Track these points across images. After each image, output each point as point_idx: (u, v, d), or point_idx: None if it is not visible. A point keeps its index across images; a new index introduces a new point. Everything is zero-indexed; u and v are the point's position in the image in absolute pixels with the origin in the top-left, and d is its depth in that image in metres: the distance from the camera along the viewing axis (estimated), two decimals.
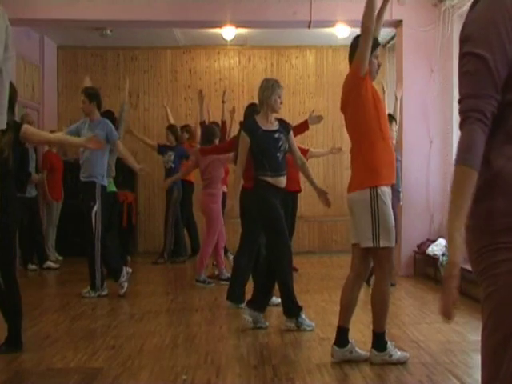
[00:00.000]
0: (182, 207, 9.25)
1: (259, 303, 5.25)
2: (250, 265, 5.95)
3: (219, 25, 8.67)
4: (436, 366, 4.11)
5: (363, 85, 4.09)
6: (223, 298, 6.60)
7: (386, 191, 4.09)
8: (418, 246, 7.71)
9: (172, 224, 9.07)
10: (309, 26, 8.35)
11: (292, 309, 5.16)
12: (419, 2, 8.03)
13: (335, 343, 4.22)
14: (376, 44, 4.19)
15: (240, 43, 10.19)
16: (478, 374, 4.00)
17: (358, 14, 8.67)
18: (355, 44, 4.21)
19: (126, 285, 6.61)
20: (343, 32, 8.90)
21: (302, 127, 6.34)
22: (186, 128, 9.62)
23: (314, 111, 6.82)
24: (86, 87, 7.00)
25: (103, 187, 6.56)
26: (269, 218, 5.14)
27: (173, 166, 8.95)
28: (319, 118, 6.56)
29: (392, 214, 4.13)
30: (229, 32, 8.98)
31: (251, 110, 5.94)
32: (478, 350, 4.70)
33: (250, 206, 5.61)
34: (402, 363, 4.13)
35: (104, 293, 6.60)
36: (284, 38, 10.05)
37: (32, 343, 4.73)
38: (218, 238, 7.29)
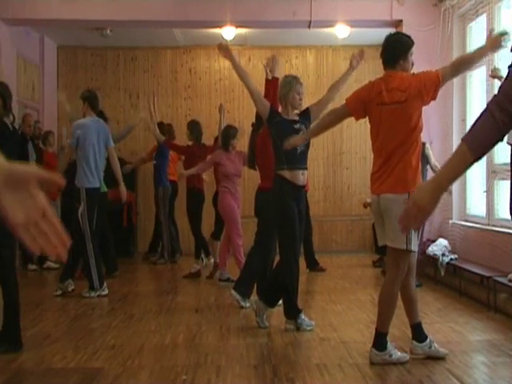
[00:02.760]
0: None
1: (269, 297, 5.26)
2: (261, 264, 5.93)
3: (219, 25, 8.66)
4: (436, 365, 4.11)
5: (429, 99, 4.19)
6: (223, 297, 6.61)
7: None
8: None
9: (166, 223, 9.09)
10: (309, 26, 8.35)
11: (292, 310, 5.16)
12: (419, 2, 8.03)
13: (414, 338, 4.28)
14: (413, 42, 4.28)
15: (240, 43, 10.18)
16: (477, 374, 4.02)
17: (358, 14, 8.71)
18: (396, 45, 4.21)
19: (95, 295, 6.55)
20: (343, 32, 8.91)
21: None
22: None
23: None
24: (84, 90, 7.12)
25: (88, 188, 6.55)
26: (282, 219, 5.07)
27: (154, 162, 9.06)
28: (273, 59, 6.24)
29: None
30: (229, 32, 8.98)
31: None
32: (477, 350, 4.72)
33: (264, 205, 5.63)
34: (402, 363, 4.13)
35: (104, 293, 6.61)
36: (284, 38, 10.04)
37: (32, 343, 4.73)
38: (230, 239, 7.25)
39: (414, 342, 4.27)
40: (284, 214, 5.04)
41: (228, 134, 7.12)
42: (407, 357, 4.19)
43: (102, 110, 7.69)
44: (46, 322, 5.56)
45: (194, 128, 8.08)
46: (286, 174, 5.02)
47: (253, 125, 6.23)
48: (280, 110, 5.24)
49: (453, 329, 5.15)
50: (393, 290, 4.14)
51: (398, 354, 4.17)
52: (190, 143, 8.04)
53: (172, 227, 9.24)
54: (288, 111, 5.15)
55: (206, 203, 8.33)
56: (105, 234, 7.47)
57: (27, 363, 4.27)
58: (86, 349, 4.57)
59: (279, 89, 5.21)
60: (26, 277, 8.26)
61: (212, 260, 7.97)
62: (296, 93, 5.13)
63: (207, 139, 9.37)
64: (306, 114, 5.22)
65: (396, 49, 4.22)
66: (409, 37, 4.31)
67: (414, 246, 4.11)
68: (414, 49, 4.30)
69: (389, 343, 4.18)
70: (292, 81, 5.18)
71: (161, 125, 9.26)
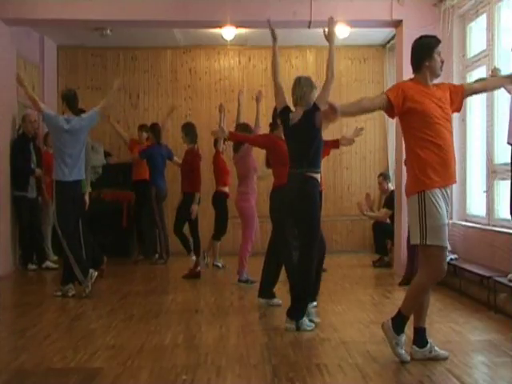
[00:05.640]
0: (144, 206, 9.34)
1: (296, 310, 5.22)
2: (278, 263, 5.93)
3: (219, 25, 8.66)
4: (436, 365, 4.11)
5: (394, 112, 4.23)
6: (223, 298, 6.64)
7: (436, 193, 4.10)
8: (413, 246, 7.70)
9: (160, 223, 9.11)
10: (309, 26, 8.35)
11: (298, 311, 5.15)
12: (419, 2, 8.02)
13: (414, 343, 4.27)
14: (437, 41, 4.29)
15: (240, 43, 10.18)
16: (477, 374, 4.02)
17: (358, 14, 8.71)
18: (418, 50, 4.28)
19: (88, 287, 6.54)
20: (343, 32, 8.90)
21: (333, 145, 6.35)
22: (145, 127, 9.64)
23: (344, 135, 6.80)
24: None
25: (56, 180, 6.56)
26: (311, 219, 5.11)
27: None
28: (350, 142, 6.46)
29: (442, 214, 4.11)
30: (229, 32, 8.97)
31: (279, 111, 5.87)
32: (477, 350, 4.73)
33: (277, 204, 5.67)
34: (402, 362, 4.14)
35: (93, 280, 6.54)
36: (284, 38, 9.96)
37: (32, 343, 4.74)
38: (243, 240, 7.23)
39: (415, 347, 4.26)
40: (314, 214, 5.13)
41: (245, 131, 7.14)
42: (408, 358, 4.19)
43: (83, 109, 7.58)
44: (46, 322, 5.56)
45: (190, 131, 8.07)
46: (319, 177, 5.17)
47: (270, 125, 6.22)
48: (295, 109, 5.25)
49: (453, 329, 5.15)
50: (422, 283, 4.18)
51: (402, 351, 4.18)
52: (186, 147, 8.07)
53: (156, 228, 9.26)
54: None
55: (205, 204, 8.34)
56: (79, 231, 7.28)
57: (27, 363, 4.27)
58: (86, 349, 4.57)
59: (299, 88, 5.20)
60: (26, 277, 8.27)
61: (194, 257, 7.99)
62: (314, 95, 5.24)
63: (207, 139, 9.39)
64: (314, 112, 5.13)
65: (418, 54, 4.28)
66: (433, 37, 4.34)
67: (435, 239, 4.07)
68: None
69: (404, 335, 4.19)
70: (312, 83, 5.28)
71: (153, 126, 9.32)
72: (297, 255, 5.66)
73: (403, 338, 4.20)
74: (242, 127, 7.26)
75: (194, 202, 7.98)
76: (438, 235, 4.09)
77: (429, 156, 4.11)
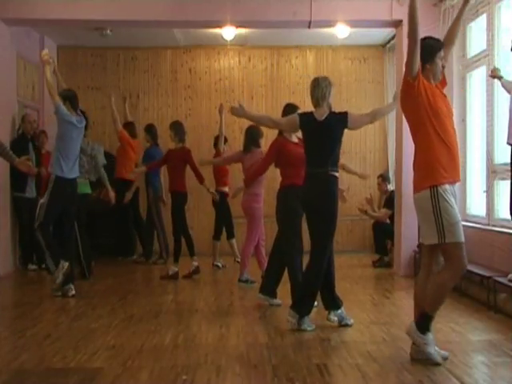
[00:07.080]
0: (132, 207, 9.33)
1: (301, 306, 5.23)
2: (282, 263, 5.93)
3: (219, 25, 8.66)
4: (436, 365, 4.11)
5: (414, 86, 4.20)
6: (223, 298, 6.63)
7: (447, 189, 4.10)
8: (418, 246, 7.72)
9: (159, 223, 9.10)
10: (309, 26, 8.35)
11: (304, 308, 5.14)
12: (419, 2, 7.96)
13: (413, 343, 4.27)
14: (440, 45, 4.32)
15: (240, 43, 10.18)
16: (478, 374, 4.02)
17: (358, 14, 8.71)
18: (422, 51, 4.32)
19: (58, 278, 6.56)
20: (343, 32, 8.90)
21: None
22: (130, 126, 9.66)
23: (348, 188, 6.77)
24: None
25: (58, 178, 6.59)
26: (331, 218, 5.11)
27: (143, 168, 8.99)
28: (343, 200, 6.34)
29: (456, 211, 4.11)
30: (229, 32, 8.98)
31: (290, 111, 5.87)
32: (477, 350, 4.72)
33: (283, 205, 5.69)
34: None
35: (64, 270, 6.52)
36: (284, 38, 10.04)
37: (32, 343, 4.74)
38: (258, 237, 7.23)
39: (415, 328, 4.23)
40: (335, 214, 5.13)
41: (258, 133, 7.16)
42: (440, 359, 4.15)
43: (83, 110, 7.55)
44: (46, 322, 5.56)
45: (179, 129, 8.03)
46: (338, 175, 5.19)
47: None
48: (315, 110, 5.22)
49: (453, 329, 5.15)
50: (444, 280, 4.14)
51: (433, 351, 4.13)
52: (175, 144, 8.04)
53: (154, 228, 9.24)
54: (324, 112, 5.20)
55: (205, 203, 8.33)
56: (73, 234, 7.22)
57: (27, 363, 4.27)
58: (86, 349, 4.57)
59: (319, 88, 5.19)
60: (26, 277, 8.27)
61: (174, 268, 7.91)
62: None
63: (207, 139, 9.40)
64: (343, 117, 5.19)
65: (421, 55, 4.27)
66: (437, 40, 4.36)
67: (453, 236, 4.07)
68: None
69: (431, 334, 4.17)
70: (331, 83, 5.27)
71: (149, 126, 9.32)
72: (300, 257, 5.70)
73: (430, 336, 4.18)
74: (253, 128, 7.21)
75: (210, 191, 8.09)
76: (454, 232, 4.09)
77: (439, 151, 4.12)
